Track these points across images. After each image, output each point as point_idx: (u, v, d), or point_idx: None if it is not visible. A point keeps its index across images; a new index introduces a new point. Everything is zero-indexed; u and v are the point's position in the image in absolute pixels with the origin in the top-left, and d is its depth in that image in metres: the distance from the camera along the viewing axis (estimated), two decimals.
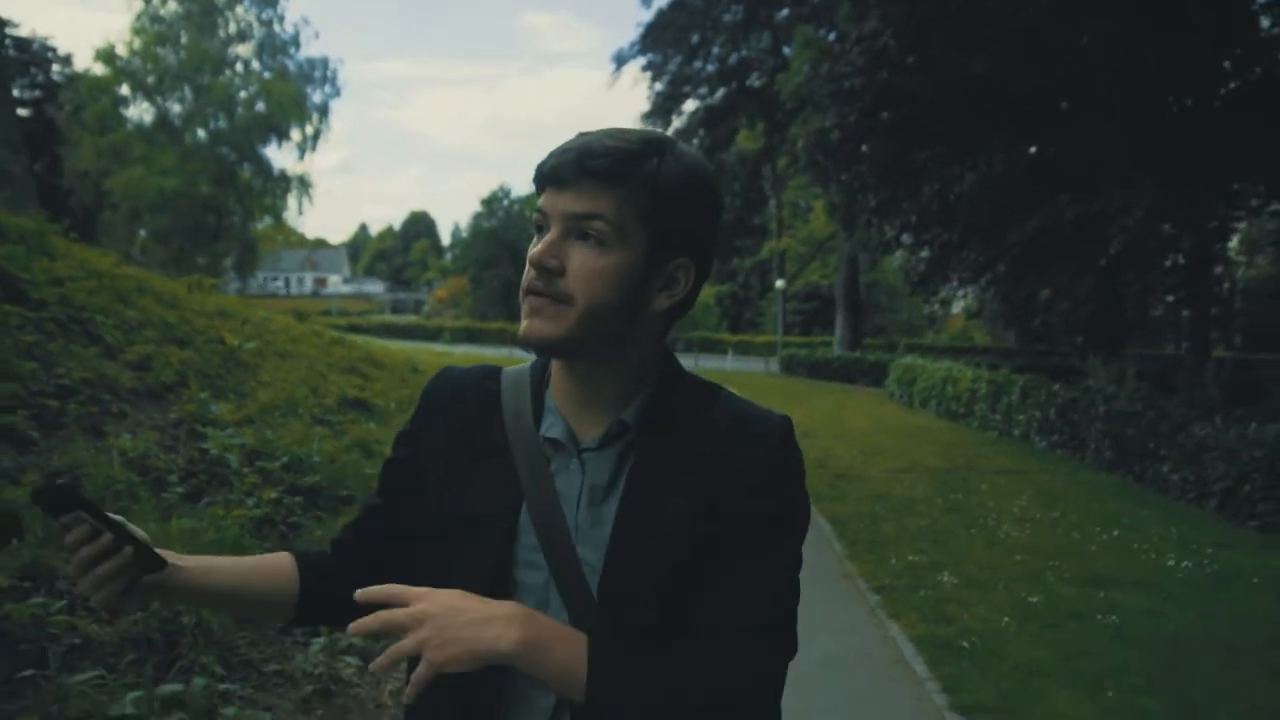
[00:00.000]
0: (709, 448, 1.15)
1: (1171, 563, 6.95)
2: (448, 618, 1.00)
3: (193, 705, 2.91)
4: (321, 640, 3.81)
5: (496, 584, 1.11)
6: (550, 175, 1.10)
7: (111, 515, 1.06)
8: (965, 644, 5.16)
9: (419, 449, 1.25)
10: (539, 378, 1.24)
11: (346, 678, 3.76)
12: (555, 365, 1.20)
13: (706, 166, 1.15)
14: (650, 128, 1.16)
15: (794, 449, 1.19)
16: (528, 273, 1.09)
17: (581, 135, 1.13)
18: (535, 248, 1.09)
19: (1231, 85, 13.79)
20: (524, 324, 1.10)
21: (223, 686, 3.09)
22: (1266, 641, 5.23)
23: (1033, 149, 13.36)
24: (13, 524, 3.33)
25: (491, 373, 1.28)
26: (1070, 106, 13.76)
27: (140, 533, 1.09)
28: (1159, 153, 11.99)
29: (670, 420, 1.16)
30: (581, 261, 1.07)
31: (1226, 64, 13.56)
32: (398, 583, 1.07)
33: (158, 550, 1.10)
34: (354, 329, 34.34)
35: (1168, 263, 15.41)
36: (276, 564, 1.24)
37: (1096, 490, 10.44)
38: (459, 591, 1.04)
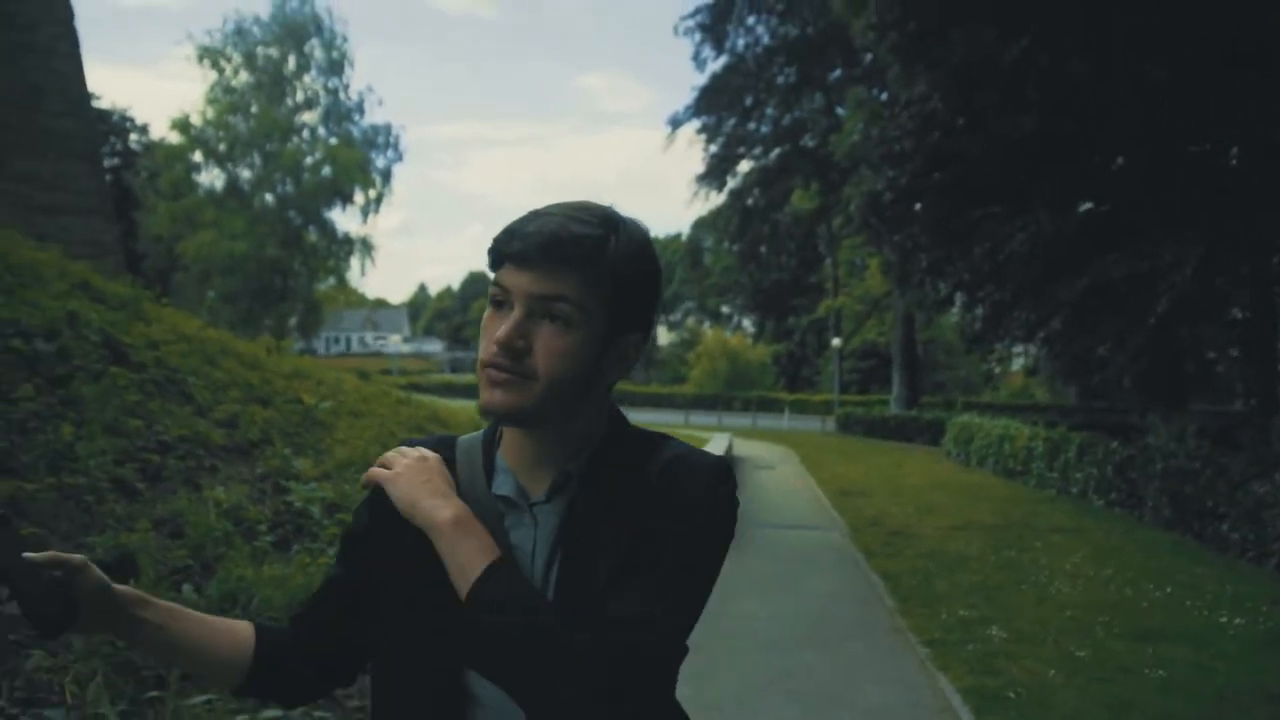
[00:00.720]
0: (640, 492, 1.20)
1: (1224, 619, 7.00)
2: (416, 475, 1.18)
3: None
4: None
5: (454, 639, 1.15)
6: (517, 255, 1.14)
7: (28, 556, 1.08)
8: (1011, 694, 5.30)
9: (380, 519, 1.26)
10: (490, 441, 1.29)
11: None
12: (507, 428, 1.25)
13: (650, 241, 1.23)
14: (601, 205, 1.22)
15: (725, 483, 1.22)
16: (488, 348, 1.14)
17: (539, 215, 1.17)
18: (502, 327, 1.13)
19: None
20: (485, 395, 1.15)
21: (317, 714, 3.39)
22: None
23: (1083, 207, 13.53)
24: (130, 565, 3.69)
25: (446, 441, 1.32)
26: (1120, 162, 13.94)
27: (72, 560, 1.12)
28: (1210, 207, 12.09)
29: (611, 470, 1.22)
30: (547, 341, 1.13)
31: None
32: (354, 652, 1.29)
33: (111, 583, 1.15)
34: (414, 388, 34.97)
35: (1233, 316, 15.37)
36: (236, 629, 1.27)
37: (1152, 548, 10.43)
38: (438, 469, 1.20)
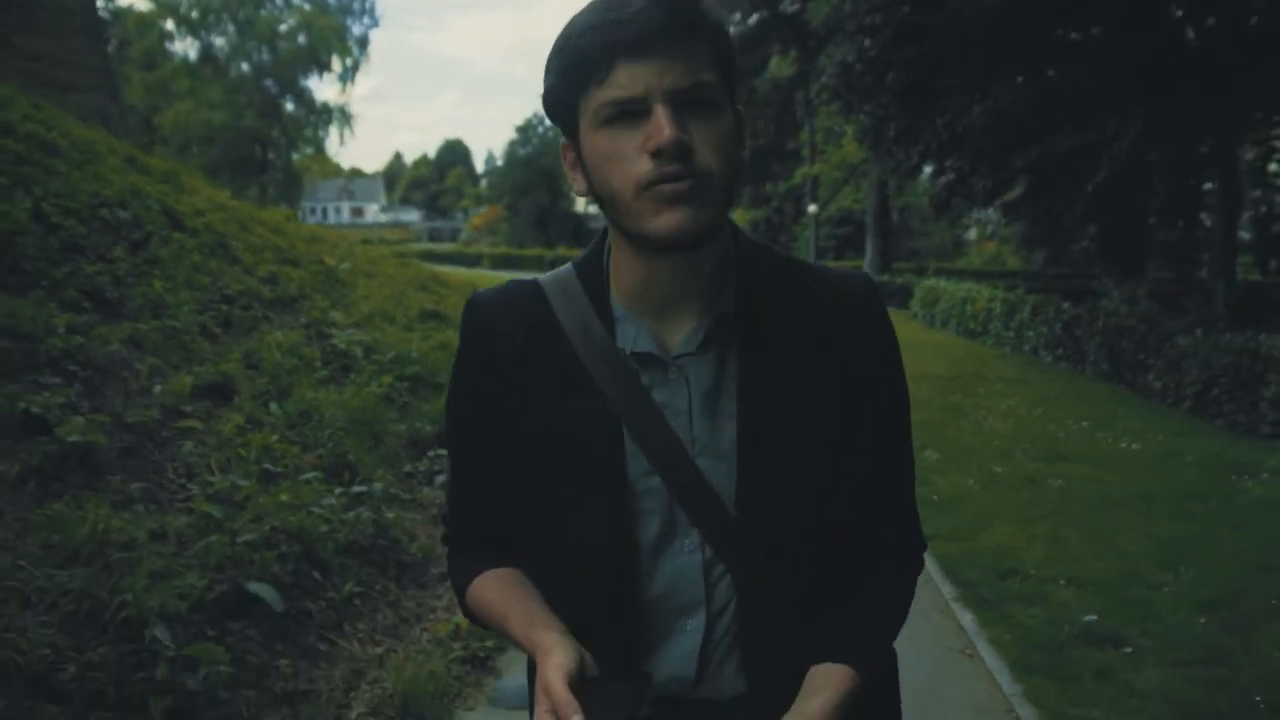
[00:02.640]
0: (816, 324, 1.08)
1: (1124, 445, 8.20)
2: None
3: (370, 503, 4.28)
4: (441, 477, 5.18)
5: (613, 520, 1.04)
6: (638, 41, 0.93)
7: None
8: (935, 498, 6.46)
9: (484, 394, 1.13)
10: (595, 282, 1.11)
11: None
12: (622, 264, 1.07)
13: None
14: None
15: (881, 298, 1.15)
16: (642, 166, 0.95)
17: None
18: (660, 130, 0.93)
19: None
20: (667, 218, 0.95)
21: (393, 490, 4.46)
22: (1179, 495, 6.50)
23: (1038, 79, 14.29)
24: (230, 388, 4.70)
25: (530, 289, 1.14)
26: (1076, 38, 14.67)
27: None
28: (1154, 83, 12.89)
29: (767, 304, 1.08)
30: (706, 131, 0.96)
31: None
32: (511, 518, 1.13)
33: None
34: (397, 257, 35.56)
35: (1199, 183, 16.29)
36: (527, 585, 1.13)
37: (1086, 395, 11.63)
38: None
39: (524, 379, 1.09)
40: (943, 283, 23.92)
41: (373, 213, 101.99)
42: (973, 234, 49.25)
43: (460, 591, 1.20)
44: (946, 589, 4.82)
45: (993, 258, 49.42)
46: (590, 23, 0.95)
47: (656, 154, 0.94)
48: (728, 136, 0.98)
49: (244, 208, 9.15)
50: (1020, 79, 13.94)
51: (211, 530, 3.37)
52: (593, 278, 1.11)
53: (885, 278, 32.99)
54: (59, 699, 2.44)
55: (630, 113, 0.95)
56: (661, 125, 0.93)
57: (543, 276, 1.15)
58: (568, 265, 1.15)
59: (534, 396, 1.08)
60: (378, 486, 4.38)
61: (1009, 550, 5.36)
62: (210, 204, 7.87)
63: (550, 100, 1.03)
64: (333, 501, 4.07)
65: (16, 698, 2.35)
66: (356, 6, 46.76)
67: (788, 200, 53.59)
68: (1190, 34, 14.87)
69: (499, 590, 1.12)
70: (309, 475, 4.13)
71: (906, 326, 21.91)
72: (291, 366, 5.40)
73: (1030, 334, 16.63)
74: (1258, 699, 3.49)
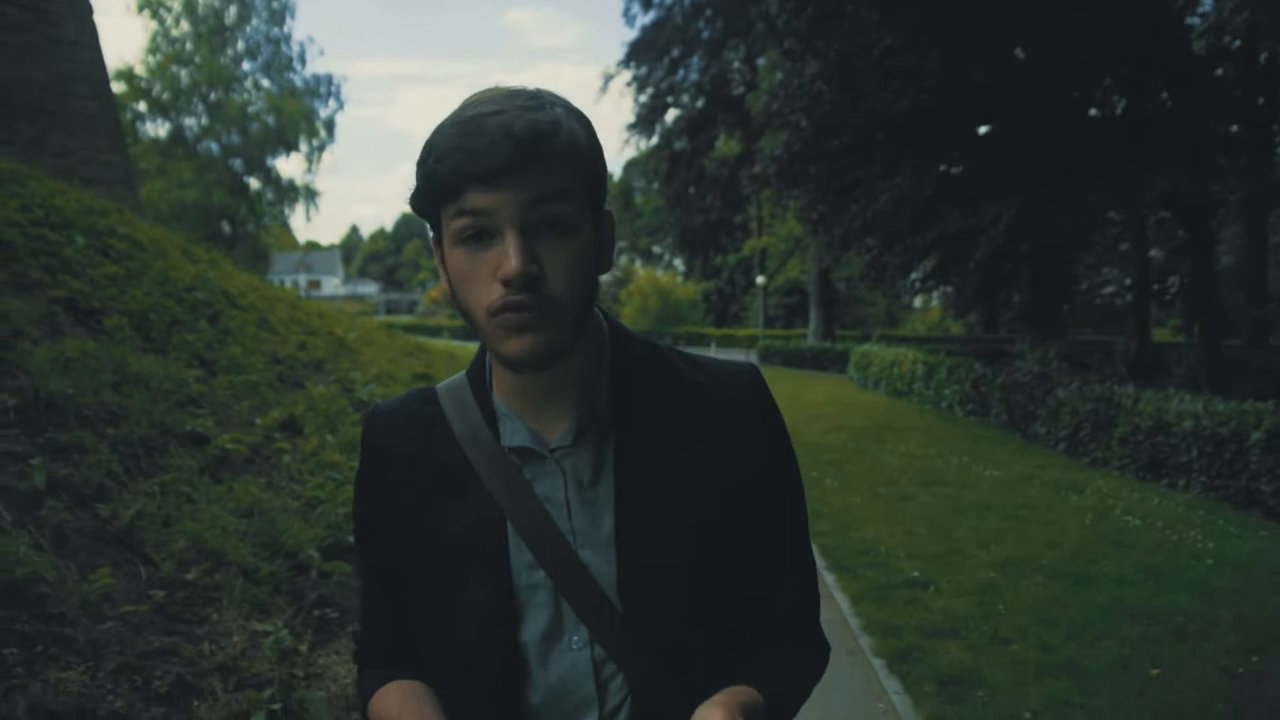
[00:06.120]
0: (694, 415, 1.11)
1: (989, 473, 10.13)
2: None
3: None
4: None
5: (499, 615, 1.07)
6: (491, 172, 0.95)
7: None
8: (825, 510, 8.32)
9: (379, 499, 1.17)
10: (480, 385, 1.15)
11: None
12: (497, 369, 1.13)
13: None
14: (517, 85, 1.04)
15: (767, 390, 1.18)
16: (492, 292, 0.98)
17: (481, 116, 0.97)
18: (509, 259, 0.96)
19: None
20: (512, 344, 0.99)
21: None
22: (1013, 505, 8.42)
23: (938, 169, 16.56)
24: (299, 425, 6.45)
25: (425, 395, 1.20)
26: (968, 135, 17.02)
27: None
28: (1040, 171, 15.16)
29: (640, 395, 1.11)
30: (556, 257, 0.99)
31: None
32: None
33: None
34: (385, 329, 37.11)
35: (1070, 260, 18.64)
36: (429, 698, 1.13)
37: (979, 439, 13.61)
38: None
39: (416, 481, 1.13)
40: (875, 348, 26.09)
41: (331, 286, 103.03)
42: (918, 302, 51.90)
43: (363, 708, 1.21)
44: (819, 562, 6.65)
45: (936, 324, 52.06)
46: (446, 147, 0.97)
47: (505, 282, 0.96)
48: (580, 259, 1.01)
49: (269, 287, 10.93)
50: (924, 170, 16.15)
51: (319, 506, 5.13)
52: (478, 380, 1.15)
53: (827, 344, 35.29)
54: (260, 584, 4.18)
55: (484, 232, 0.98)
56: (510, 255, 0.96)
57: (440, 383, 1.21)
58: (461, 371, 1.20)
59: (424, 497, 1.12)
60: None
61: (872, 540, 7.22)
62: (247, 286, 9.66)
63: (415, 205, 1.05)
64: None
65: (244, 581, 4.09)
66: (323, 90, 48.97)
67: (738, 272, 56.18)
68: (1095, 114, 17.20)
69: (397, 701, 1.13)
70: None
71: (842, 388, 23.99)
72: (335, 410, 7.16)
73: (947, 392, 18.68)
74: (1000, 608, 5.37)
